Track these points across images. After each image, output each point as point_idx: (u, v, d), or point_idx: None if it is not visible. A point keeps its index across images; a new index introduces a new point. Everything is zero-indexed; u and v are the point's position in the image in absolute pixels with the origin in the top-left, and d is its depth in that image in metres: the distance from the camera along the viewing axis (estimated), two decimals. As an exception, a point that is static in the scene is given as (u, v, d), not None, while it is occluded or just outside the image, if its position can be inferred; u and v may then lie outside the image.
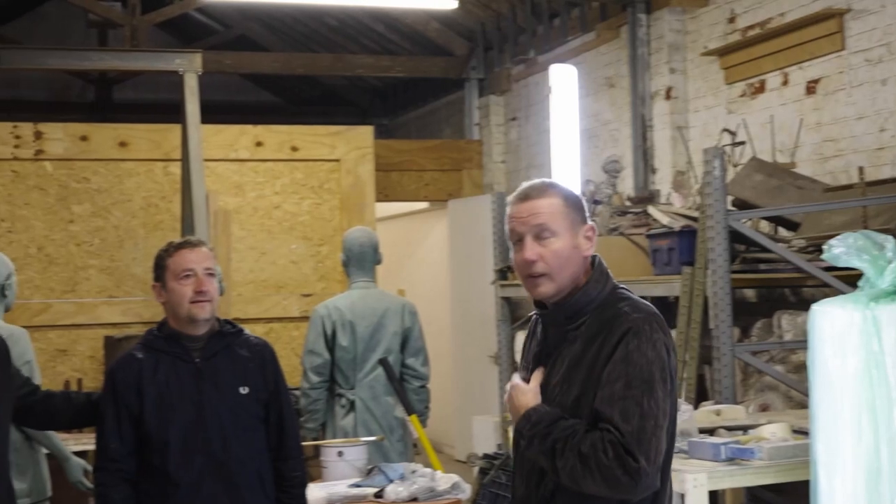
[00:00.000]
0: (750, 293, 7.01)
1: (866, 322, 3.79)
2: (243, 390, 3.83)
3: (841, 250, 4.00)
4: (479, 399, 10.51)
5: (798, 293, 7.19)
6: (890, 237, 3.97)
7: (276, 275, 9.61)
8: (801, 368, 6.36)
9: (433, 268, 12.43)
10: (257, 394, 3.86)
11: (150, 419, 3.75)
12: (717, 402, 5.68)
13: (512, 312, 8.45)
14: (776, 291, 7.28)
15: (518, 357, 8.46)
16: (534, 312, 3.09)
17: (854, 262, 3.99)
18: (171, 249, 3.85)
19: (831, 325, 3.87)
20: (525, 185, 3.02)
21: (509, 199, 3.03)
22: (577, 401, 2.83)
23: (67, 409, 3.98)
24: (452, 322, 11.47)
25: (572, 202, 2.97)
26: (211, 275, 3.83)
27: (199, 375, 3.80)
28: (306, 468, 4.08)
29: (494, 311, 8.61)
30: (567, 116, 4.91)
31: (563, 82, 4.85)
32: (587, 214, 3.02)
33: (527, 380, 2.96)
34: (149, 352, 3.84)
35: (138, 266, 9.50)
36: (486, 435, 9.50)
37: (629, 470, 2.69)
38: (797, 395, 6.29)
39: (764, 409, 6.06)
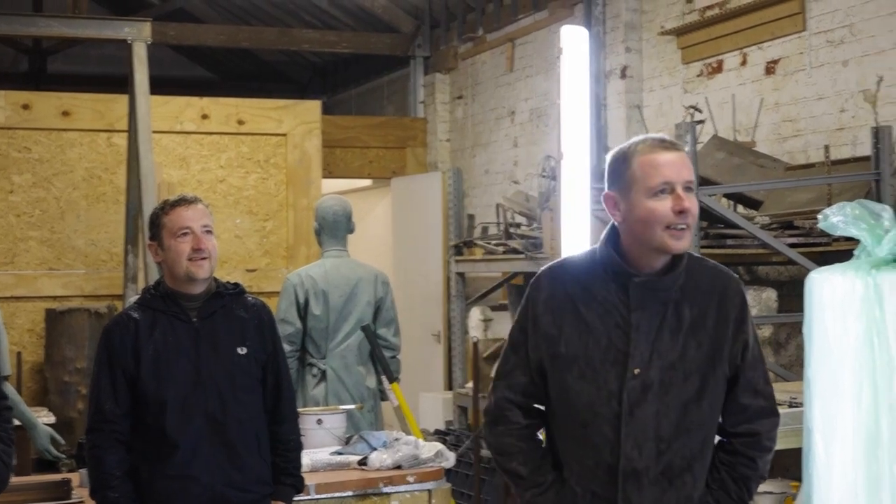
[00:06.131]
0: (703, 272, 7.02)
1: (868, 289, 3.79)
2: (241, 351, 3.74)
3: (839, 219, 4.00)
4: (424, 376, 10.47)
5: (752, 271, 7.24)
6: (887, 206, 3.98)
7: (221, 249, 9.18)
8: (765, 344, 6.40)
9: (376, 246, 12.34)
10: (255, 354, 3.77)
11: (146, 379, 3.65)
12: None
13: (465, 288, 8.42)
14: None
15: (474, 331, 8.56)
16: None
17: (851, 231, 3.99)
18: (167, 207, 3.75)
19: (832, 292, 3.87)
20: (659, 135, 2.96)
21: (645, 145, 2.91)
22: (711, 359, 3.00)
23: None
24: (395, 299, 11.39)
25: None
26: (209, 232, 3.76)
27: (197, 335, 3.71)
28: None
29: (445, 288, 8.57)
30: (577, 79, 4.86)
31: (571, 44, 4.80)
32: None
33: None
34: (145, 311, 3.73)
35: (80, 238, 9.33)
36: (435, 411, 9.47)
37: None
38: (760, 371, 6.33)
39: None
